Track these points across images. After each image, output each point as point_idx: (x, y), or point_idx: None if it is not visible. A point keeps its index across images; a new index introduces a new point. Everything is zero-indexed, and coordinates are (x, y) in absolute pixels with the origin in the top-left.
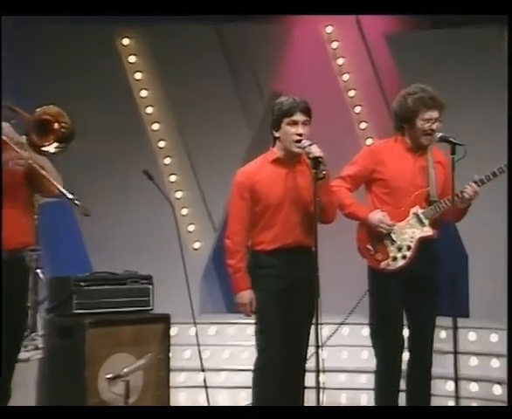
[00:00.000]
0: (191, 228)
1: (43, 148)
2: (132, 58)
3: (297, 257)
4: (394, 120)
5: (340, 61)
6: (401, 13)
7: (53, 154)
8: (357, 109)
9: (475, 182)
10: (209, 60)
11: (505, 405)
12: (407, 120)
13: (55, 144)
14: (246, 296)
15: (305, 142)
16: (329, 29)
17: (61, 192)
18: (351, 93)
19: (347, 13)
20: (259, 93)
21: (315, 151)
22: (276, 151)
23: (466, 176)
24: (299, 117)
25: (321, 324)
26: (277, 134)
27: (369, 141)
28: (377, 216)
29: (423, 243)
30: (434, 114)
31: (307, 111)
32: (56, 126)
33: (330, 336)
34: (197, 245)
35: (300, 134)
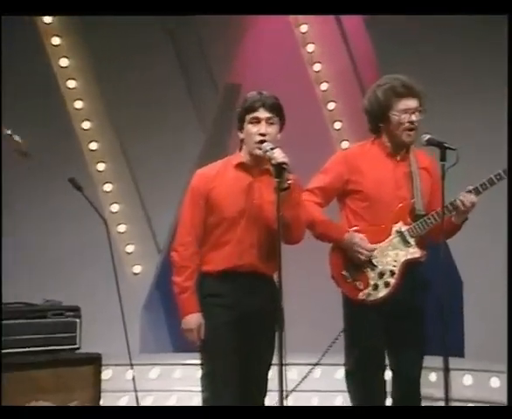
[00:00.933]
0: (130, 248)
1: None
2: (56, 40)
3: (253, 285)
4: (368, 119)
5: (310, 48)
6: (399, 13)
7: None
8: (331, 106)
9: (470, 191)
10: (154, 52)
11: (505, 405)
12: (381, 117)
13: None
14: (194, 320)
15: (267, 145)
16: None
17: None
18: (324, 87)
19: (329, 13)
20: (214, 88)
21: (278, 156)
22: (242, 155)
23: (462, 185)
24: (262, 113)
25: (287, 365)
26: (241, 135)
27: (344, 145)
28: (354, 240)
29: (409, 267)
30: (411, 103)
31: (273, 107)
32: None
33: (300, 382)
34: (137, 269)
35: (262, 134)
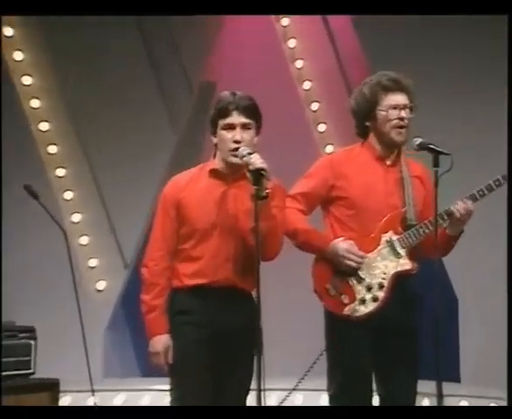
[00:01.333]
0: (94, 262)
1: None
2: (9, 31)
3: (229, 301)
4: (355, 121)
5: (292, 43)
6: (399, 13)
7: None
8: (314, 106)
9: (466, 198)
10: (123, 50)
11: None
12: (368, 115)
13: None
14: (161, 342)
15: (243, 150)
16: None
17: None
18: (306, 85)
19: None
20: (188, 87)
21: (256, 161)
22: (216, 161)
23: (458, 193)
24: (236, 118)
25: (265, 390)
26: (215, 140)
27: (329, 149)
28: (343, 246)
29: (399, 280)
30: (399, 98)
31: (248, 110)
32: None
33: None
34: (100, 286)
35: (237, 141)
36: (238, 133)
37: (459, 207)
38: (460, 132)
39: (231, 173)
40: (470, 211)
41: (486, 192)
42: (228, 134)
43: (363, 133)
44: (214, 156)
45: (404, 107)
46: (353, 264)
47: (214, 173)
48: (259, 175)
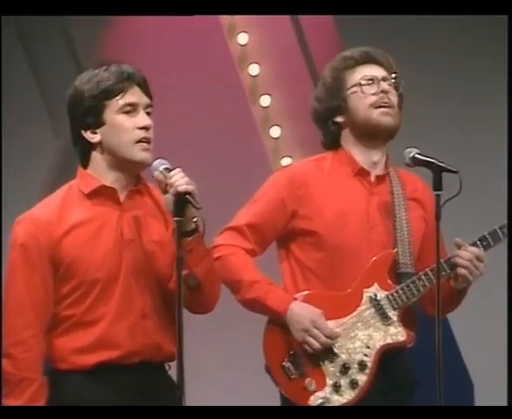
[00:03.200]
0: None
1: None
2: None
3: (148, 381)
4: (320, 127)
5: (243, 39)
6: (398, 13)
7: None
8: (265, 101)
9: (474, 244)
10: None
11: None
12: (335, 107)
13: None
14: None
15: (159, 164)
16: None
17: None
18: (253, 70)
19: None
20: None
21: (179, 181)
22: (93, 173)
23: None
24: (138, 97)
25: None
26: (95, 137)
27: (286, 161)
28: (306, 315)
29: (388, 356)
30: (375, 71)
31: (147, 87)
32: None
33: None
34: None
35: (145, 127)
36: (144, 117)
37: (464, 255)
38: (455, 141)
39: (125, 185)
40: (479, 260)
41: (491, 242)
42: (127, 120)
43: (332, 139)
44: (85, 165)
45: (384, 80)
46: (317, 347)
47: (97, 193)
48: (183, 201)
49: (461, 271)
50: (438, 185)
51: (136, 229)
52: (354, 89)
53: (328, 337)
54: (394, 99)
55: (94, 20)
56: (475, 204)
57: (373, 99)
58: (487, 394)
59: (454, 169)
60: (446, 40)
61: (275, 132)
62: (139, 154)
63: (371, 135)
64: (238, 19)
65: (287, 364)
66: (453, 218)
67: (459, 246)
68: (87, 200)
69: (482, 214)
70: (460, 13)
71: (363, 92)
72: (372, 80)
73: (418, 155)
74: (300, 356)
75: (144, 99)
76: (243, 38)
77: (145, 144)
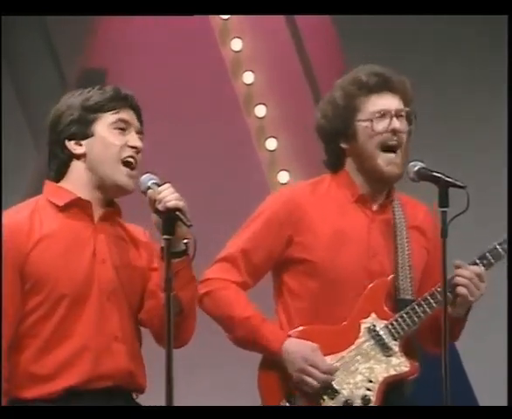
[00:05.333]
0: None
1: None
2: None
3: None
4: (324, 144)
5: (236, 45)
6: (398, 13)
7: None
8: (260, 111)
9: (474, 263)
10: None
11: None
12: (342, 131)
13: None
14: None
15: (148, 179)
16: None
17: None
18: (248, 78)
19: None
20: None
21: (169, 197)
22: (70, 185)
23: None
24: (132, 119)
25: None
26: (77, 149)
27: (282, 175)
28: (303, 353)
29: (393, 389)
30: (389, 102)
31: (140, 113)
32: None
33: None
34: None
35: (135, 147)
36: (136, 138)
37: (465, 273)
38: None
39: (104, 204)
40: (479, 276)
41: (492, 260)
42: (121, 137)
43: (335, 162)
44: (60, 175)
45: (397, 114)
46: (315, 385)
47: (74, 206)
48: (173, 218)
49: (461, 290)
50: (444, 201)
51: (110, 250)
52: (365, 123)
53: (325, 373)
54: (403, 136)
55: (78, 29)
56: (475, 220)
57: (382, 138)
58: (487, 394)
59: (462, 184)
60: (447, 40)
61: (271, 144)
62: (123, 177)
63: (374, 178)
64: (232, 24)
65: (284, 403)
66: (453, 235)
67: (458, 267)
68: (60, 212)
69: (482, 229)
70: (460, 13)
71: (373, 130)
72: (385, 113)
73: (423, 170)
74: (298, 395)
75: (137, 123)
76: (237, 44)
77: (131, 170)
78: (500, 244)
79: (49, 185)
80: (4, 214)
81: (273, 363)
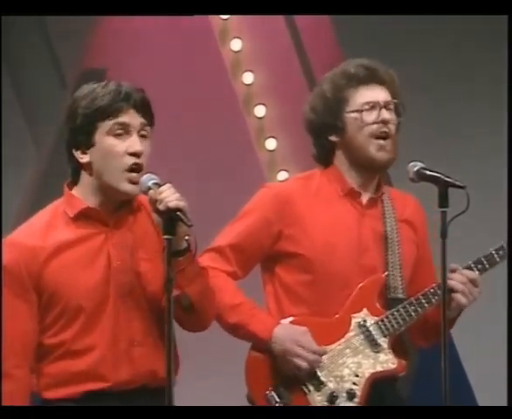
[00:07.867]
0: None
1: None
2: None
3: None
4: (312, 138)
5: (236, 45)
6: (397, 13)
7: None
8: (260, 111)
9: (469, 267)
10: None
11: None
12: (331, 124)
13: None
14: None
15: (148, 179)
16: None
17: None
18: (248, 79)
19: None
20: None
21: (170, 197)
22: (79, 195)
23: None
24: (133, 118)
25: None
26: (84, 158)
27: (282, 176)
28: (291, 336)
29: (379, 385)
30: (377, 94)
31: (146, 108)
32: None
33: None
34: None
35: (136, 154)
36: (137, 142)
37: (458, 278)
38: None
39: (113, 210)
40: (473, 281)
41: (487, 265)
42: (120, 144)
43: (324, 156)
44: (70, 186)
45: (386, 106)
46: (304, 366)
47: (83, 216)
48: (173, 218)
49: (455, 295)
50: (444, 201)
51: (124, 250)
52: (354, 115)
53: (314, 353)
54: (393, 127)
55: (78, 29)
56: (472, 222)
57: (372, 128)
58: (487, 394)
59: (461, 184)
60: (446, 40)
61: (271, 144)
62: (126, 186)
63: (365, 166)
64: (232, 24)
65: (270, 394)
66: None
67: (453, 271)
68: (72, 223)
69: (481, 233)
70: (460, 13)
71: (362, 121)
72: (374, 105)
73: (423, 170)
74: (284, 385)
75: (138, 120)
76: (236, 44)
77: (134, 175)
78: (496, 251)
79: (66, 191)
80: (20, 228)
81: (260, 352)
